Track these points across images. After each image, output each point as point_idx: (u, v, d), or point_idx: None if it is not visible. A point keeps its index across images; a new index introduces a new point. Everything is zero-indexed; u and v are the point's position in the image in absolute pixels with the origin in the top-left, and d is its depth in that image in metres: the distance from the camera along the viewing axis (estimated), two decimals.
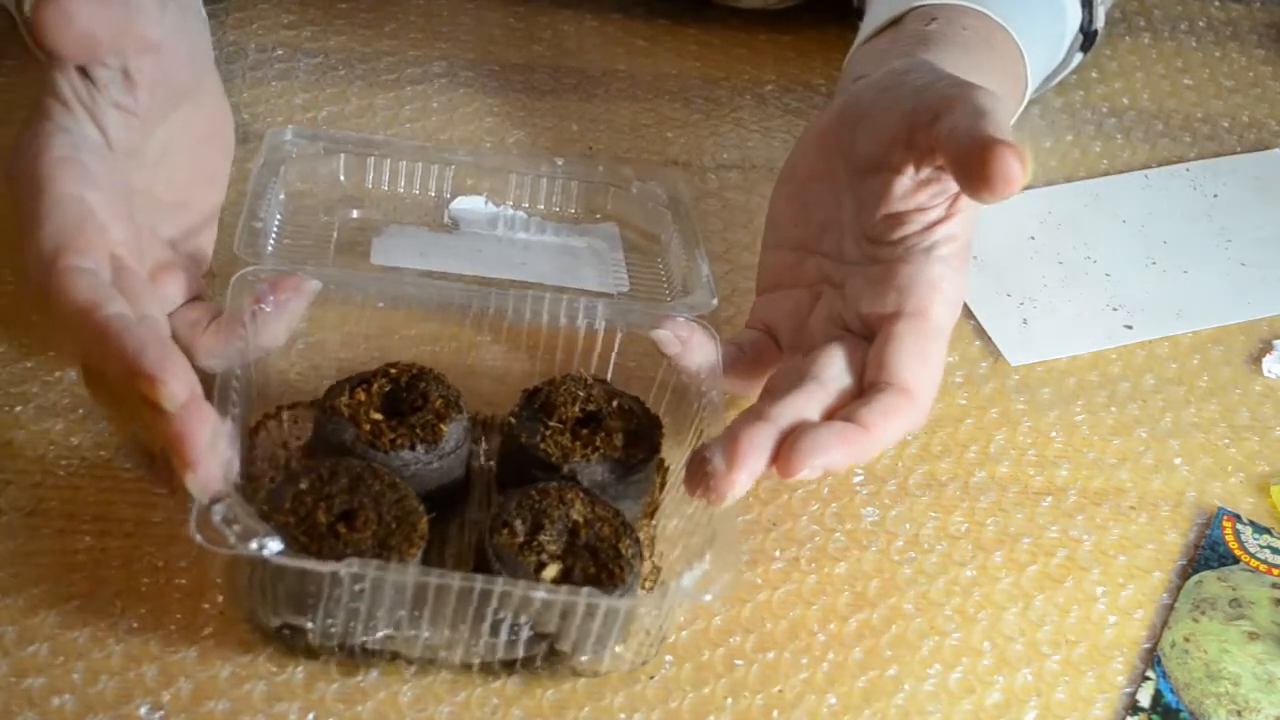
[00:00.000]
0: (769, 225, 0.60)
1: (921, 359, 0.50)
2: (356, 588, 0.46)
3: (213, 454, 0.45)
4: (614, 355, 0.59)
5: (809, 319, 0.56)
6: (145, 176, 0.54)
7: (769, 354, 0.57)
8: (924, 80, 0.53)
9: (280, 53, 0.77)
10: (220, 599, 0.51)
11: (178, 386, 0.44)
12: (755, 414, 0.49)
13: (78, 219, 0.48)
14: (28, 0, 0.64)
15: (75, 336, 0.46)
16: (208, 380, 0.50)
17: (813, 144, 0.58)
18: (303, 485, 0.49)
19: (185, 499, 0.45)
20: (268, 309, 0.53)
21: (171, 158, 0.55)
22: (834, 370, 0.51)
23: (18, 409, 0.56)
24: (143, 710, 0.48)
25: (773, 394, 0.51)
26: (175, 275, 0.54)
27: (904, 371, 0.50)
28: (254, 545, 0.44)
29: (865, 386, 0.50)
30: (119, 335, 0.44)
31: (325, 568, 0.45)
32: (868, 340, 0.52)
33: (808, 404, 0.50)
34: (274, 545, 0.45)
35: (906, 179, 0.52)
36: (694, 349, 0.56)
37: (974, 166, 0.47)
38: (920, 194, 0.52)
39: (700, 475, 0.49)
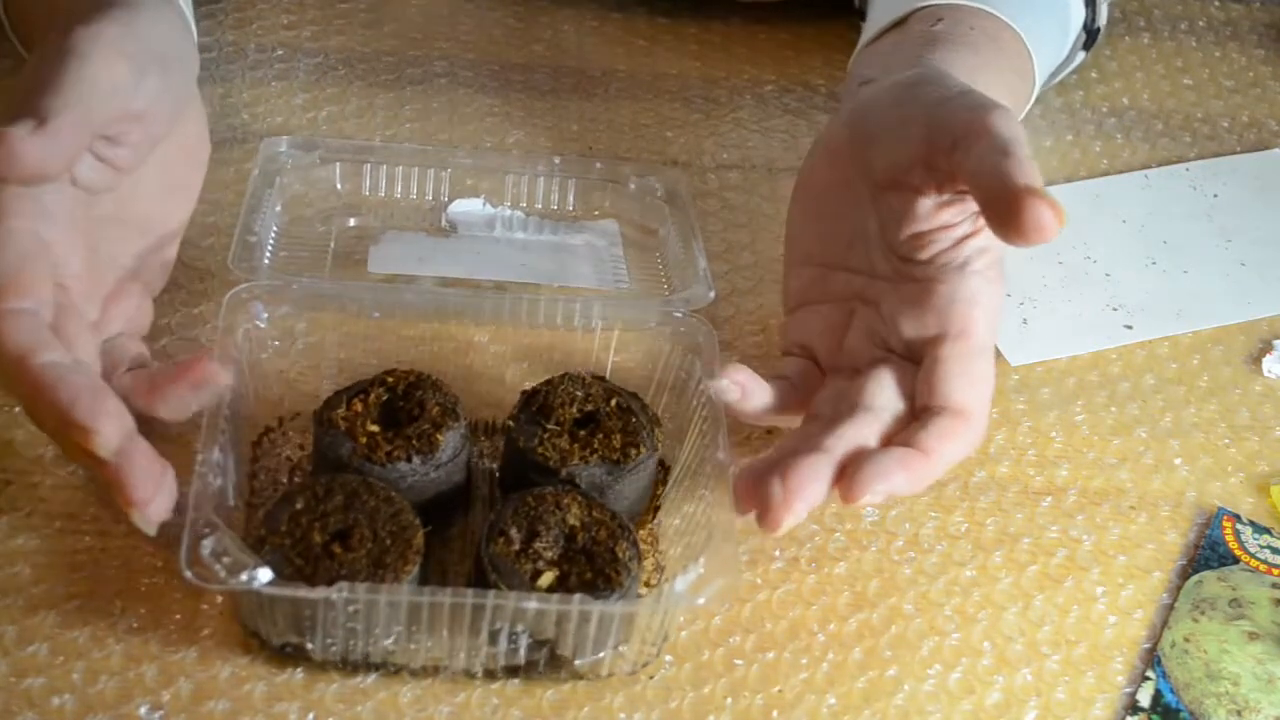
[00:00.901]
0: (789, 242, 0.60)
1: (970, 379, 0.50)
2: (351, 609, 0.47)
3: (157, 486, 0.46)
4: (612, 353, 0.59)
5: (847, 338, 0.55)
6: (112, 205, 0.54)
7: (815, 382, 0.56)
8: (936, 95, 0.53)
9: (280, 53, 0.77)
10: (220, 599, 0.51)
11: (110, 433, 0.45)
12: (811, 443, 0.49)
13: (22, 257, 0.48)
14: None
15: (10, 382, 0.47)
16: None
17: (825, 156, 0.57)
18: (298, 505, 0.49)
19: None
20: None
21: (143, 183, 0.55)
22: (885, 398, 0.51)
23: (18, 409, 0.56)
24: (143, 710, 0.48)
25: (822, 420, 0.51)
26: (129, 299, 0.54)
27: (955, 394, 0.50)
28: (244, 578, 0.45)
29: (918, 411, 0.50)
30: (52, 386, 0.46)
31: (315, 594, 0.45)
32: (911, 362, 0.52)
33: (862, 432, 0.50)
34: (263, 576, 0.45)
35: (929, 200, 0.52)
36: (752, 394, 0.54)
37: (1007, 216, 0.47)
38: (944, 212, 0.52)
39: (753, 496, 0.49)
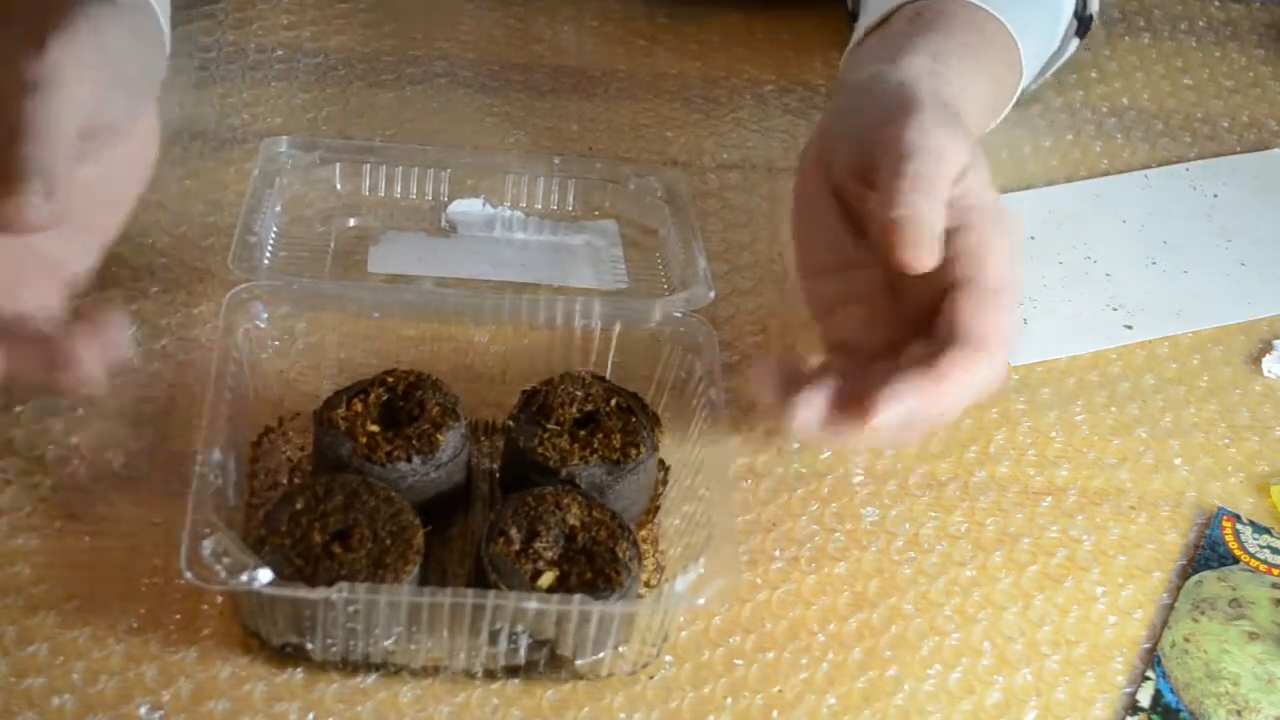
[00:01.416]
0: (799, 246, 0.59)
1: (983, 315, 0.50)
2: (351, 609, 0.47)
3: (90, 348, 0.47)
4: (611, 352, 0.59)
5: (879, 327, 0.54)
6: None
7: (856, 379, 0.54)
8: (878, 103, 0.55)
9: (280, 53, 0.77)
10: (220, 600, 0.51)
11: None
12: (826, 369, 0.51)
13: None
14: None
15: None
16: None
17: (812, 160, 0.58)
18: (298, 505, 0.49)
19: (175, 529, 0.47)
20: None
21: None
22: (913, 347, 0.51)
23: (18, 409, 0.56)
24: (143, 710, 0.48)
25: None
26: (46, 283, 0.52)
27: (971, 330, 0.50)
28: (244, 578, 0.45)
29: (938, 346, 0.50)
30: None
31: (315, 595, 0.46)
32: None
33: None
34: (264, 576, 0.45)
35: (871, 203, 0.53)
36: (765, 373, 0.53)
37: (883, 240, 0.50)
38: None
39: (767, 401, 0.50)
